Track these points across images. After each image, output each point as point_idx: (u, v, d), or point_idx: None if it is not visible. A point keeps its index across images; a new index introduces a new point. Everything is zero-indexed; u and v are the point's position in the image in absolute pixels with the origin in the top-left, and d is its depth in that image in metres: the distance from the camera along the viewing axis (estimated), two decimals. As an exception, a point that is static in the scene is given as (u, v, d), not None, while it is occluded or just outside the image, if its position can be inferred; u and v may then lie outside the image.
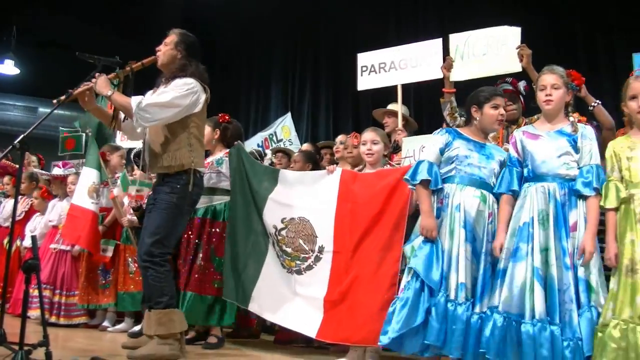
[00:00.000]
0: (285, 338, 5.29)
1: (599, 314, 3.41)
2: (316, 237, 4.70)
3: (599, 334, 3.35)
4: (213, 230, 5.20)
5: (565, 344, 3.38)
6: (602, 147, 3.80)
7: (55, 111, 4.35)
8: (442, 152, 3.96)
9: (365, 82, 5.60)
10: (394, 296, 3.97)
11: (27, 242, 7.01)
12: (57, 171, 7.26)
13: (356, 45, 9.30)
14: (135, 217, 5.79)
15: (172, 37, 4.54)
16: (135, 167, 6.45)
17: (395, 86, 5.45)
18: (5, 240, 7.35)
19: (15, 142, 3.86)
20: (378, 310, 4.11)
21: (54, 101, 4.26)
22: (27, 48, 13.92)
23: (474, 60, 4.85)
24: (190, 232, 5.20)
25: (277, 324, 5.01)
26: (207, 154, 5.41)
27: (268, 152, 7.93)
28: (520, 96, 4.98)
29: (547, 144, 3.69)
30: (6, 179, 7.99)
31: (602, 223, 3.62)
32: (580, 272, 3.47)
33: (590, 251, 3.45)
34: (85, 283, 6.18)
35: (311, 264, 4.68)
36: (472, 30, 4.91)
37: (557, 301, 3.44)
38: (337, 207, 4.66)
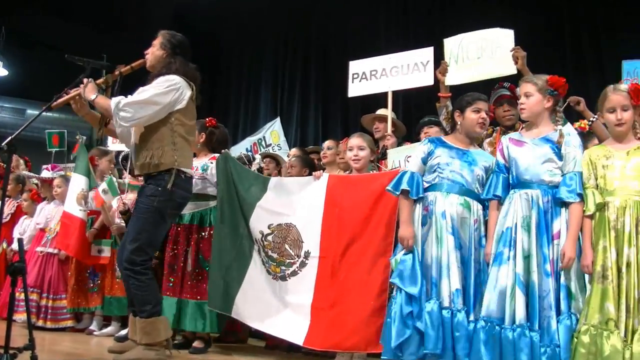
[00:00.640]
0: (275, 343, 5.26)
1: (577, 321, 3.44)
2: (302, 242, 4.67)
3: (575, 340, 3.39)
4: (201, 235, 5.16)
5: (542, 350, 3.41)
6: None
7: (43, 113, 4.34)
8: (424, 161, 4.00)
9: (355, 89, 5.60)
10: (385, 303, 3.99)
11: (15, 245, 6.97)
12: (46, 174, 7.24)
13: (346, 51, 9.36)
14: (123, 222, 5.78)
15: (159, 39, 4.50)
16: (124, 170, 6.42)
17: (385, 93, 5.45)
18: (-9, 244, 7.34)
19: (3, 144, 3.85)
20: (368, 317, 4.11)
21: (43, 106, 4.23)
22: (16, 49, 13.86)
23: (469, 64, 4.85)
24: (177, 239, 5.17)
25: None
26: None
27: (257, 156, 7.92)
28: (518, 101, 5.00)
29: (531, 151, 3.72)
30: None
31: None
32: (562, 278, 3.51)
33: (571, 257, 3.48)
34: (75, 286, 6.15)
35: (296, 269, 4.65)
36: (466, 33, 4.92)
37: (538, 307, 3.47)
38: (324, 212, 4.64)
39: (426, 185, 3.96)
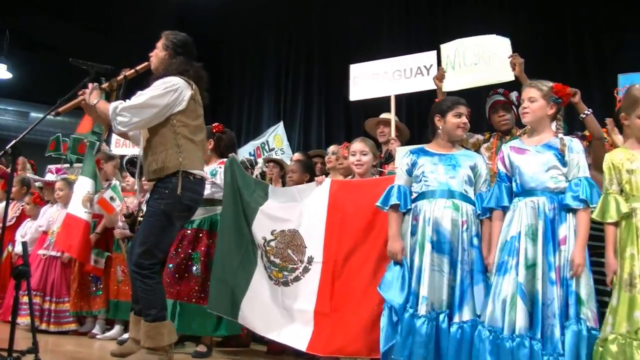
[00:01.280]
0: (277, 349, 5.26)
1: (588, 327, 3.40)
2: (305, 247, 4.66)
3: (600, 349, 3.34)
4: (212, 241, 5.15)
5: (545, 359, 3.39)
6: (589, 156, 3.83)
7: (47, 116, 4.35)
8: (409, 173, 4.04)
9: (357, 93, 5.60)
10: None
11: (18, 249, 6.99)
12: (50, 177, 7.26)
13: (349, 55, 9.33)
14: (126, 226, 5.81)
15: (161, 40, 4.46)
16: (128, 174, 6.44)
17: (388, 97, 5.46)
18: (-5, 246, 7.34)
19: (7, 147, 3.86)
20: (371, 322, 4.11)
21: (49, 111, 4.23)
22: (20, 52, 13.89)
23: (466, 70, 4.86)
24: (181, 243, 5.17)
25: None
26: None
27: (259, 161, 7.93)
28: (513, 106, 5.01)
29: (534, 158, 3.71)
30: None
31: (600, 239, 3.63)
32: (572, 285, 3.46)
33: (580, 264, 3.45)
34: (77, 290, 6.17)
35: (299, 275, 4.64)
36: (463, 38, 4.93)
37: (541, 316, 3.44)
38: (327, 217, 4.63)
39: (414, 195, 3.98)
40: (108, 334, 5.97)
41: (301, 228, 4.72)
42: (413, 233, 3.88)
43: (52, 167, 8.24)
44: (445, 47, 4.98)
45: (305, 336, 4.45)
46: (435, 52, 5.12)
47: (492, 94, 5.08)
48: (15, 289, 3.67)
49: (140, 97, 4.15)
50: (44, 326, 6.06)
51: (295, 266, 4.66)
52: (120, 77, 4.46)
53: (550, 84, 3.80)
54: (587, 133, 4.43)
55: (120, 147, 7.32)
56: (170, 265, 5.14)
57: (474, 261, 3.78)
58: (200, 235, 5.21)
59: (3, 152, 3.96)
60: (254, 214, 4.88)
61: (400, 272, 3.83)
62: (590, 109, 4.19)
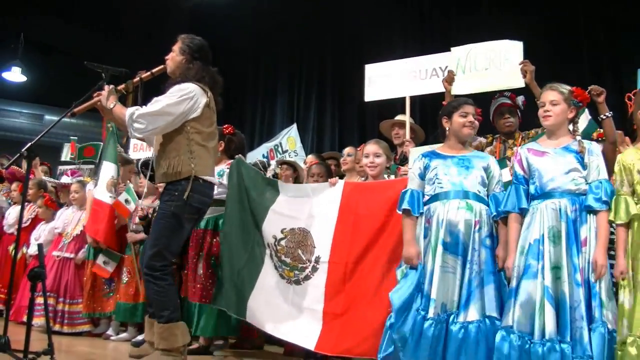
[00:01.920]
0: (293, 350, 5.25)
1: (609, 329, 3.39)
2: (314, 247, 4.67)
3: (619, 353, 3.33)
4: (214, 240, 5.19)
5: None
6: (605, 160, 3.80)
7: (62, 119, 4.37)
8: (422, 177, 4.04)
9: (372, 94, 5.59)
10: None
11: (32, 250, 7.02)
12: (65, 179, 7.29)
13: (362, 57, 9.32)
14: (141, 228, 5.83)
15: (178, 44, 4.50)
16: (142, 176, 6.46)
17: (402, 98, 5.45)
18: (11, 247, 7.39)
19: (23, 150, 3.89)
20: (380, 324, 4.09)
21: (68, 113, 4.25)
22: (34, 56, 13.98)
23: (476, 74, 4.84)
24: (188, 243, 5.19)
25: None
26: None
27: (272, 162, 7.93)
28: (518, 111, 5.00)
29: (555, 161, 3.69)
30: (14, 185, 8.03)
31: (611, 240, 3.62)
32: (596, 286, 3.44)
33: (603, 264, 3.43)
34: (90, 291, 6.20)
35: (309, 274, 4.65)
36: (476, 43, 4.91)
37: (569, 318, 3.42)
38: (338, 218, 4.64)
39: (427, 198, 3.97)
40: (122, 335, 5.97)
41: (312, 228, 4.74)
42: (425, 236, 3.88)
43: (68, 169, 8.27)
44: (456, 50, 4.97)
45: (314, 335, 4.47)
46: (450, 53, 5.10)
47: (498, 96, 5.08)
48: (30, 290, 3.68)
49: (156, 104, 4.19)
50: (57, 327, 6.07)
51: (304, 265, 4.68)
52: (136, 79, 4.49)
53: (568, 87, 3.80)
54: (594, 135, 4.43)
55: (138, 152, 7.35)
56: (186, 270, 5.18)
57: (485, 261, 3.76)
58: (206, 235, 5.24)
59: (19, 154, 3.99)
60: (265, 214, 4.90)
61: (415, 277, 3.82)
62: (611, 112, 4.16)
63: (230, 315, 4.99)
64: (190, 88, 4.24)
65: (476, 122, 4.06)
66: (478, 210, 3.82)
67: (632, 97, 4.51)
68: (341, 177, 5.64)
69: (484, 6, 9.45)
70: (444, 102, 4.71)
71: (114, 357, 5.03)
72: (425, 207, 3.95)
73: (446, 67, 5.11)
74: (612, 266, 3.61)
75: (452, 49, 5.00)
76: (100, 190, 6.18)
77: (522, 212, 3.75)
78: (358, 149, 5.63)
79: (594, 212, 3.55)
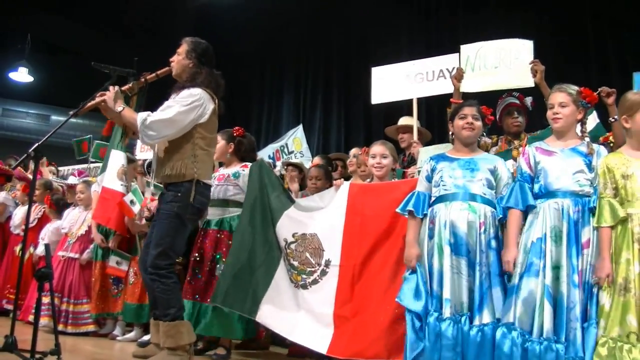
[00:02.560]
0: (298, 351, 5.26)
1: None
2: (323, 250, 4.66)
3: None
4: (230, 242, 5.15)
5: None
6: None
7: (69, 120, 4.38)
8: (429, 179, 4.04)
9: (379, 96, 5.59)
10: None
11: (40, 250, 7.04)
12: (72, 180, 7.31)
13: (368, 58, 9.33)
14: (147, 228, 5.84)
15: (183, 47, 4.54)
16: (149, 176, 6.48)
17: (409, 99, 5.45)
18: (18, 248, 7.41)
19: (30, 150, 3.90)
20: (390, 325, 4.10)
21: (70, 113, 4.28)
22: (41, 56, 14.01)
23: (485, 72, 4.84)
24: (203, 244, 5.20)
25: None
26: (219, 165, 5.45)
27: (278, 164, 7.93)
28: (526, 111, 4.99)
29: (562, 161, 3.68)
30: (18, 185, 8.06)
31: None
32: (594, 288, 3.45)
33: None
34: (99, 292, 6.22)
35: (317, 278, 4.64)
36: (484, 41, 4.91)
37: (565, 319, 3.43)
38: (345, 220, 4.64)
39: (433, 199, 3.97)
40: (128, 335, 5.99)
41: (320, 231, 4.73)
42: (430, 237, 3.87)
43: (75, 169, 8.30)
44: (466, 48, 4.96)
45: (326, 339, 4.45)
46: (457, 54, 5.10)
47: (505, 96, 5.07)
48: (38, 290, 3.69)
49: (168, 110, 4.25)
50: (61, 327, 6.03)
51: (313, 269, 4.67)
52: (141, 80, 4.52)
53: (576, 87, 3.79)
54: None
55: (145, 152, 7.36)
56: (197, 270, 5.17)
57: (491, 263, 3.74)
58: (221, 236, 5.23)
59: (26, 154, 4.00)
60: (279, 216, 4.89)
61: (415, 279, 3.83)
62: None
63: (245, 318, 4.99)
64: (199, 95, 4.32)
65: (476, 123, 4.01)
66: (482, 212, 3.79)
67: None
68: (348, 178, 5.64)
69: (491, 6, 9.43)
70: (452, 100, 4.72)
71: (120, 357, 5.04)
72: (430, 209, 3.95)
73: (453, 68, 5.11)
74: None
75: (461, 46, 5.00)
76: (110, 179, 6.22)
77: (527, 210, 3.73)
78: (359, 151, 5.61)
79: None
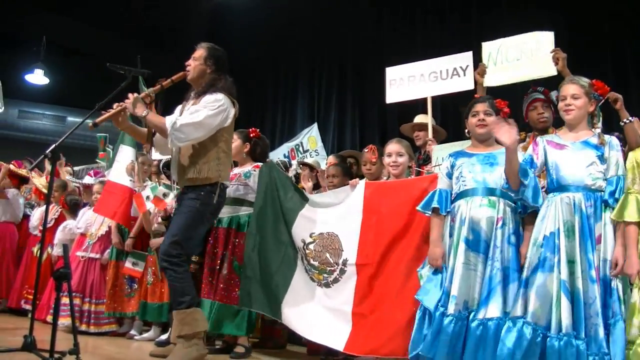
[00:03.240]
0: (317, 349, 5.27)
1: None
2: (342, 250, 4.68)
3: (629, 352, 3.29)
4: (237, 241, 5.21)
5: (590, 359, 3.33)
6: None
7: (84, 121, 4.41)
8: (449, 176, 4.04)
9: (394, 95, 5.59)
10: None
11: (57, 250, 7.09)
12: (88, 180, 7.35)
13: (383, 56, 9.31)
14: (163, 228, 5.86)
15: (200, 52, 4.57)
16: (165, 177, 6.50)
17: (424, 98, 5.43)
18: (35, 248, 7.47)
19: (47, 151, 3.92)
20: (407, 323, 4.09)
21: (90, 125, 4.29)
22: (56, 58, 14.09)
23: (508, 65, 4.82)
24: (216, 242, 5.23)
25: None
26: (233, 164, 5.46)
27: (294, 162, 7.93)
28: (552, 106, 4.95)
29: (574, 155, 3.65)
30: (33, 188, 8.14)
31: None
32: (612, 282, 3.42)
33: (622, 263, 3.39)
34: (112, 291, 6.26)
35: (337, 276, 4.65)
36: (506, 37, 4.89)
37: (583, 315, 3.38)
38: (362, 219, 4.65)
39: (454, 196, 3.97)
40: (145, 335, 6.02)
41: (338, 231, 4.74)
42: (451, 234, 3.88)
43: (91, 169, 8.36)
44: (487, 45, 4.95)
45: (343, 336, 4.46)
46: (471, 53, 5.08)
47: (531, 91, 5.02)
48: (56, 290, 3.72)
49: (197, 114, 4.31)
50: (83, 327, 6.13)
51: (332, 268, 4.68)
52: (157, 87, 4.56)
53: (588, 80, 3.76)
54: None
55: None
56: (209, 268, 5.19)
57: (509, 259, 3.71)
58: (231, 234, 5.25)
59: (43, 155, 4.03)
60: (295, 217, 4.92)
61: (438, 278, 3.84)
62: (634, 117, 4.11)
63: (252, 315, 5.03)
64: (224, 99, 4.41)
65: (488, 119, 3.99)
66: (501, 207, 3.78)
67: None
68: (362, 177, 5.63)
69: (505, 6, 9.37)
70: (475, 95, 4.69)
71: (138, 356, 5.05)
72: (452, 206, 3.95)
73: (467, 66, 5.09)
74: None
75: (483, 43, 4.98)
76: (117, 174, 6.30)
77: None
78: (365, 150, 5.59)
79: (610, 208, 3.51)
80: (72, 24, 12.57)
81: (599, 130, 3.71)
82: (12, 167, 8.30)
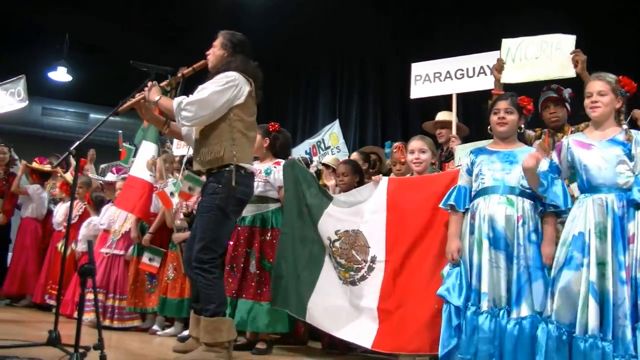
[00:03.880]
0: (332, 344, 5.30)
1: None
2: (369, 247, 4.67)
3: None
4: (263, 237, 5.21)
5: None
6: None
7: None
8: (469, 172, 4.04)
9: (418, 91, 5.59)
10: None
11: (81, 246, 7.15)
12: (110, 177, 7.41)
13: (405, 54, 9.27)
14: (184, 224, 5.89)
15: (219, 39, 4.53)
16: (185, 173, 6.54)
17: (446, 95, 5.42)
18: (59, 244, 7.54)
19: (72, 148, 3.94)
20: (431, 319, 4.09)
21: (111, 112, 4.30)
22: (79, 55, 14.17)
23: (526, 63, 4.79)
24: (238, 240, 5.22)
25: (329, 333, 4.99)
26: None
27: (315, 159, 7.93)
28: (567, 104, 4.92)
29: (601, 154, 3.59)
30: (57, 183, 8.23)
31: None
32: None
33: None
34: (133, 287, 6.31)
35: (364, 274, 4.65)
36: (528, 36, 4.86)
37: (612, 316, 3.34)
38: (387, 216, 4.64)
39: (474, 194, 3.96)
40: (168, 330, 6.06)
41: (364, 228, 4.73)
42: (472, 232, 3.87)
43: (113, 166, 8.42)
44: (507, 41, 4.92)
45: (371, 334, 4.48)
46: (499, 52, 5.06)
47: (545, 89, 5.01)
48: (81, 286, 3.74)
49: (203, 91, 4.21)
50: (107, 322, 6.18)
51: (359, 266, 4.68)
52: (178, 75, 4.53)
53: (614, 76, 3.71)
54: None
55: (182, 148, 7.43)
56: (229, 266, 5.19)
57: (532, 257, 3.71)
58: (254, 232, 5.25)
59: (67, 152, 4.05)
60: (320, 214, 4.91)
61: (457, 273, 3.84)
62: None
63: (283, 312, 5.03)
64: (234, 76, 4.27)
65: (509, 117, 4.00)
66: (520, 206, 3.77)
67: None
68: (386, 173, 5.63)
69: (532, 6, 9.27)
70: (493, 91, 4.68)
71: (161, 351, 5.07)
72: (471, 203, 3.94)
73: (494, 65, 5.08)
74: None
75: (503, 40, 4.95)
76: (138, 168, 6.36)
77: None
78: (393, 149, 5.56)
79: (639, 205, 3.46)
80: (94, 21, 12.61)
81: (625, 127, 3.65)
82: (34, 164, 8.39)
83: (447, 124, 5.76)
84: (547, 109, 4.93)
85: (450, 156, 5.26)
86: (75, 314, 6.05)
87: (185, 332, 5.48)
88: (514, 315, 3.62)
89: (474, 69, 5.29)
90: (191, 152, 5.25)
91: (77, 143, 3.94)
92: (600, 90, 3.66)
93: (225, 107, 4.25)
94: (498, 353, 3.63)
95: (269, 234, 5.21)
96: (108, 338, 4.97)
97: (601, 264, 3.41)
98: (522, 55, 4.80)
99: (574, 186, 4.00)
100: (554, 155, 3.79)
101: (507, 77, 4.85)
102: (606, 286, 3.38)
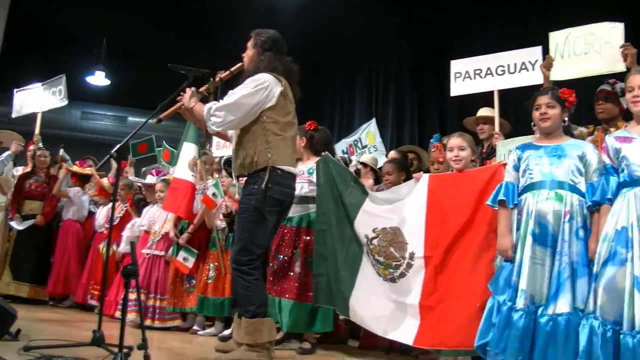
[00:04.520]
0: (369, 343, 5.29)
1: None
2: (406, 244, 4.65)
3: None
4: (310, 238, 5.20)
5: None
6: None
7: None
8: (516, 168, 3.96)
9: (458, 88, 5.56)
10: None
11: (123, 247, 7.24)
12: (150, 179, 7.49)
13: (442, 51, 9.21)
14: (224, 224, 5.93)
15: (251, 40, 4.53)
16: (226, 174, 6.59)
17: (486, 92, 5.38)
18: (101, 245, 7.65)
19: (112, 151, 3.99)
20: (474, 314, 4.04)
21: (155, 120, 4.35)
22: (116, 60, 14.36)
23: (575, 59, 4.74)
24: (283, 240, 5.24)
25: (366, 330, 4.99)
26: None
27: (353, 158, 7.92)
28: (620, 98, 4.83)
29: None
30: (92, 186, 8.37)
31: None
32: None
33: None
34: (172, 287, 6.38)
35: (403, 271, 4.63)
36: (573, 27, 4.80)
37: None
38: (426, 212, 4.62)
39: (520, 189, 3.90)
40: (209, 330, 6.10)
41: (402, 225, 4.72)
42: (518, 228, 3.81)
43: (153, 168, 8.52)
44: (554, 35, 4.87)
45: (412, 330, 4.47)
46: (540, 47, 5.01)
47: (604, 83, 4.94)
48: (124, 287, 3.78)
49: (232, 96, 4.22)
50: (148, 322, 6.24)
51: (398, 263, 4.66)
52: (216, 79, 4.54)
53: None
54: None
55: (221, 149, 7.49)
56: (272, 264, 5.21)
57: (577, 253, 3.63)
58: (300, 232, 5.26)
59: (109, 155, 4.09)
60: (356, 212, 4.90)
61: (508, 270, 3.78)
62: None
63: (329, 310, 5.05)
64: (264, 78, 4.25)
65: (550, 112, 3.89)
66: (569, 201, 3.69)
67: None
68: (426, 171, 5.60)
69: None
70: (542, 89, 4.62)
71: (202, 351, 5.11)
72: (518, 199, 3.88)
73: (536, 60, 5.03)
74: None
75: (550, 34, 4.91)
76: (181, 169, 6.46)
77: (611, 203, 3.61)
78: (431, 148, 5.52)
79: None
80: (131, 26, 12.76)
81: None
82: (74, 167, 8.51)
83: (488, 120, 5.72)
84: (597, 103, 4.87)
85: (492, 153, 5.21)
86: (117, 314, 6.19)
87: (227, 332, 5.52)
88: (549, 311, 3.56)
89: (515, 64, 5.24)
90: (228, 153, 5.27)
91: (118, 146, 3.98)
92: None
93: (256, 111, 4.24)
94: (527, 350, 3.57)
95: (316, 235, 5.18)
96: (150, 338, 4.96)
97: None
98: (570, 51, 4.74)
99: None
100: (604, 157, 3.74)
101: (557, 74, 4.79)
102: None
